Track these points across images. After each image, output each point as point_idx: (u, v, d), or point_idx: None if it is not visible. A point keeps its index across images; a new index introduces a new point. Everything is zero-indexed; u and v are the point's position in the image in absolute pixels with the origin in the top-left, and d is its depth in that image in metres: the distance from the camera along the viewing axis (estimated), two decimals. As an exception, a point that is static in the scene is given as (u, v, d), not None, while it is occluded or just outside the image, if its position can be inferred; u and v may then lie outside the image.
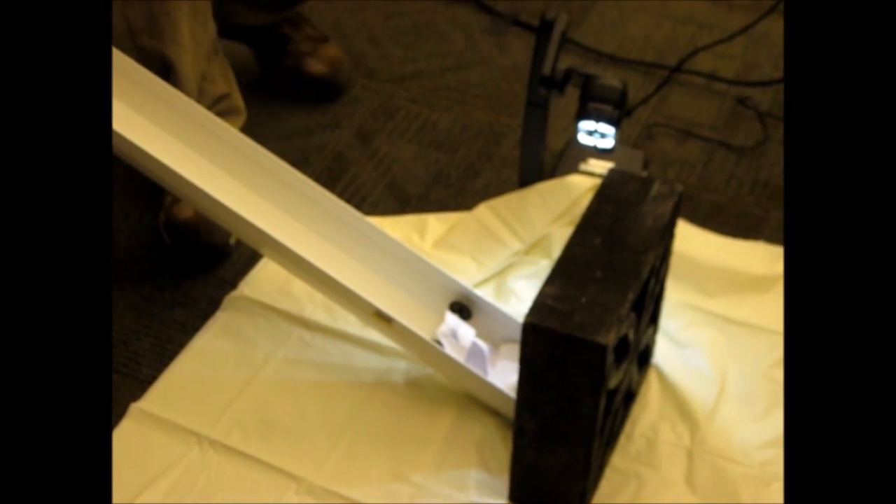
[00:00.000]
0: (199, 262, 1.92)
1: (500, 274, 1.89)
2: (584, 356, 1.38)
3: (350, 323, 1.79)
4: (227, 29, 2.22)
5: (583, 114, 1.83)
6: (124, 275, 1.90)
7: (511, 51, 2.51)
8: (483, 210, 2.00)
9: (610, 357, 1.39)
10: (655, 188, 1.59)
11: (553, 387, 1.43)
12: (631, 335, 1.49)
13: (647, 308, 1.57)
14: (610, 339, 1.37)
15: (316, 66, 2.32)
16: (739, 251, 1.95)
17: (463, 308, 1.72)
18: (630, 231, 1.52)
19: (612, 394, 1.48)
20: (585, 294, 1.43)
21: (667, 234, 1.58)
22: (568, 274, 1.46)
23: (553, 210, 1.94)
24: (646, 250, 1.50)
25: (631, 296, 1.44)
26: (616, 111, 1.79)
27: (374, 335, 1.76)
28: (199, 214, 1.88)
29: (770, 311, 1.84)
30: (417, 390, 1.71)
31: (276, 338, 1.78)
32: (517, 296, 1.84)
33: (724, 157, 2.22)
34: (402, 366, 1.74)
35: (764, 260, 1.93)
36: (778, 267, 1.91)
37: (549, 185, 1.97)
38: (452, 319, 1.70)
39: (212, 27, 2.01)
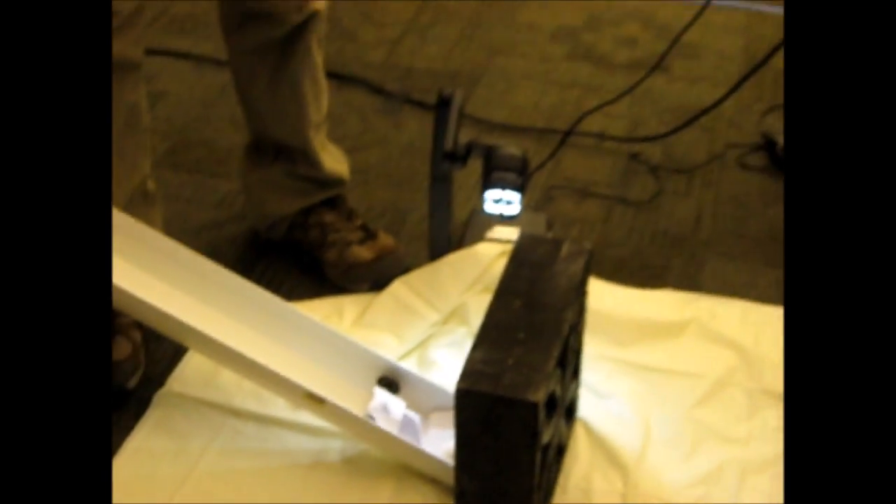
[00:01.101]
0: None
1: (421, 345, 1.94)
2: (517, 415, 1.43)
3: (280, 408, 1.82)
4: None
5: (489, 183, 1.90)
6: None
7: (407, 128, 2.59)
8: (398, 286, 2.05)
9: (542, 413, 1.45)
10: (566, 248, 1.66)
11: (489, 447, 1.48)
12: (558, 391, 1.55)
13: (570, 363, 1.63)
14: (540, 396, 1.43)
15: (364, 253, 2.13)
16: (648, 300, 2.02)
17: (391, 382, 1.77)
18: (546, 291, 1.59)
19: (545, 449, 1.54)
20: (512, 356, 1.48)
21: (581, 291, 1.65)
22: (493, 338, 1.52)
23: (466, 279, 2.00)
24: (564, 308, 1.56)
25: (555, 353, 1.50)
26: (520, 178, 1.86)
27: (305, 417, 1.79)
28: None
29: (683, 355, 1.91)
30: (354, 467, 1.74)
31: (210, 429, 1.80)
32: (439, 365, 1.89)
33: (622, 212, 2.30)
34: (336, 444, 1.78)
35: (672, 306, 2.01)
36: (686, 312, 1.99)
37: (460, 256, 2.03)
38: (382, 394, 1.74)
39: (142, 170, 1.96)
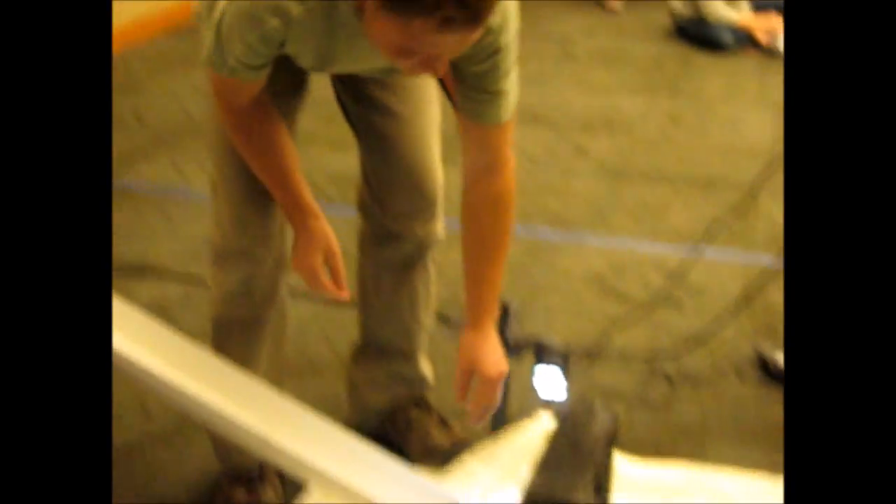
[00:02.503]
0: None
1: (482, 497, 2.47)
2: (564, 516, 1.98)
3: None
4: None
5: (538, 360, 2.49)
6: None
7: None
8: (465, 456, 2.59)
9: (582, 514, 1.99)
10: (598, 408, 2.23)
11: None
12: (593, 505, 2.10)
13: (602, 493, 2.18)
14: (580, 499, 1.98)
15: (442, 441, 2.67)
16: (661, 468, 2.58)
17: (466, 523, 2.30)
18: (584, 436, 2.15)
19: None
20: (561, 477, 2.04)
21: (610, 440, 2.20)
22: (545, 469, 2.08)
23: (519, 449, 2.54)
24: (595, 448, 2.12)
25: (589, 476, 2.05)
26: (563, 359, 2.45)
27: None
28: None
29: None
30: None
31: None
32: (498, 511, 2.42)
33: (641, 412, 2.87)
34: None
35: (680, 474, 2.56)
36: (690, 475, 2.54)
37: (515, 431, 2.58)
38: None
39: (283, 353, 2.50)
